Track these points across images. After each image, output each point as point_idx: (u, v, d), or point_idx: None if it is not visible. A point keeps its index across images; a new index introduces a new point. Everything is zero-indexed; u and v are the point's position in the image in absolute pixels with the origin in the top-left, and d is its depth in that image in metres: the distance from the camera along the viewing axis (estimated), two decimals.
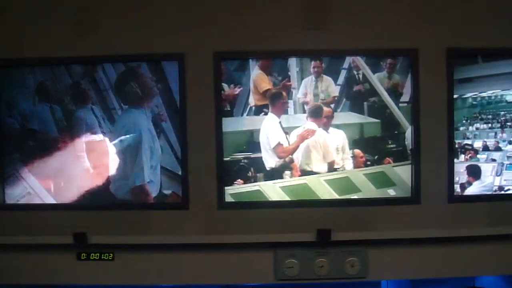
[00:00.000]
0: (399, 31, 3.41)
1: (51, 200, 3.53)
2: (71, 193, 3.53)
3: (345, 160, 3.48)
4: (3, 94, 3.50)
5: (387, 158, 3.48)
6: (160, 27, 3.43)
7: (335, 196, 3.47)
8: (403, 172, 3.47)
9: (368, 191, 3.49)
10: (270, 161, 3.47)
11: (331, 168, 3.48)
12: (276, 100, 3.45)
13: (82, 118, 3.48)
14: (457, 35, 3.40)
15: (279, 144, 3.47)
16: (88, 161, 3.51)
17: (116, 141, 3.48)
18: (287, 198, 3.48)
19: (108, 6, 3.45)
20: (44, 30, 3.44)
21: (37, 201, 3.53)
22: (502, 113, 3.48)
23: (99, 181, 3.51)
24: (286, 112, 3.46)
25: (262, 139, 3.46)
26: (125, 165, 3.49)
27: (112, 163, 3.50)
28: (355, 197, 3.48)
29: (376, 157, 3.48)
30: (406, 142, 3.46)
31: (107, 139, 3.48)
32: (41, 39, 3.44)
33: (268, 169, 3.47)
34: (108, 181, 3.50)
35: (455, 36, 3.40)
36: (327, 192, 3.48)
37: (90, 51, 3.43)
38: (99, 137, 3.49)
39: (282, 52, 3.43)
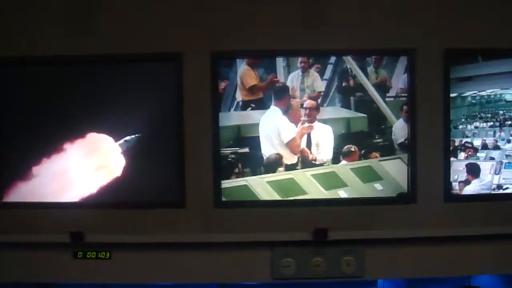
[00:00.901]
0: (398, 31, 3.37)
1: (48, 199, 3.51)
2: (69, 192, 3.52)
3: (329, 155, 3.46)
4: (3, 92, 3.46)
5: (374, 153, 3.47)
6: (157, 27, 3.38)
7: (322, 190, 3.46)
8: (390, 166, 3.47)
9: (355, 185, 3.49)
10: (286, 157, 3.46)
11: (309, 162, 3.46)
12: (281, 94, 3.41)
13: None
14: (455, 35, 3.36)
15: (292, 139, 3.45)
16: (90, 161, 3.50)
17: (121, 141, 3.45)
18: (275, 193, 3.46)
19: (105, 6, 3.39)
20: (40, 29, 3.39)
21: (34, 199, 3.51)
22: (501, 112, 3.46)
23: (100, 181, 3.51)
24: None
25: (269, 133, 3.43)
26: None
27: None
28: (342, 191, 3.48)
29: (363, 151, 3.47)
30: (393, 137, 3.45)
31: (111, 138, 3.46)
32: (37, 39, 3.40)
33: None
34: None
35: (453, 37, 3.36)
36: (313, 187, 3.47)
37: (86, 51, 3.39)
38: (102, 137, 3.46)
39: (281, 51, 3.39)
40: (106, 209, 3.49)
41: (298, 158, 3.46)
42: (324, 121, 3.44)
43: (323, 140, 3.45)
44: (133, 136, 3.42)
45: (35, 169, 3.48)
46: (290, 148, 3.45)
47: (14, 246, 3.50)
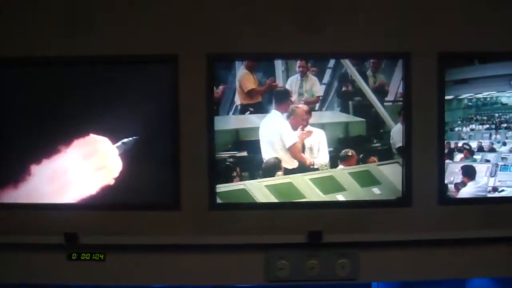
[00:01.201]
0: (392, 35, 3.39)
1: (44, 200, 3.50)
2: (66, 194, 3.51)
3: (322, 159, 3.46)
4: (3, 92, 3.48)
5: (372, 157, 3.47)
6: (156, 28, 3.41)
7: (320, 194, 3.45)
8: (388, 170, 3.47)
9: (353, 190, 3.47)
10: (286, 161, 3.46)
11: (306, 166, 3.45)
12: (282, 98, 3.42)
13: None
14: (449, 39, 3.38)
15: (294, 144, 3.45)
16: (87, 162, 3.50)
17: (119, 143, 3.46)
18: (273, 197, 3.45)
19: (105, 6, 3.42)
20: (40, 29, 3.42)
21: (30, 200, 3.50)
22: (497, 114, 3.47)
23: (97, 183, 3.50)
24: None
25: (271, 137, 3.44)
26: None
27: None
28: (340, 195, 3.47)
29: (361, 156, 3.47)
30: (391, 141, 3.45)
31: (108, 140, 3.46)
32: (37, 39, 3.42)
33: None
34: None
35: (448, 40, 3.38)
36: (311, 191, 3.46)
37: (82, 52, 3.41)
38: (100, 138, 3.47)
39: (279, 54, 3.41)
40: (101, 211, 3.48)
41: (299, 162, 3.45)
42: (323, 125, 3.44)
43: (316, 144, 3.45)
44: (131, 138, 3.43)
45: (33, 170, 3.47)
46: (292, 153, 3.45)
47: (8, 247, 3.48)
